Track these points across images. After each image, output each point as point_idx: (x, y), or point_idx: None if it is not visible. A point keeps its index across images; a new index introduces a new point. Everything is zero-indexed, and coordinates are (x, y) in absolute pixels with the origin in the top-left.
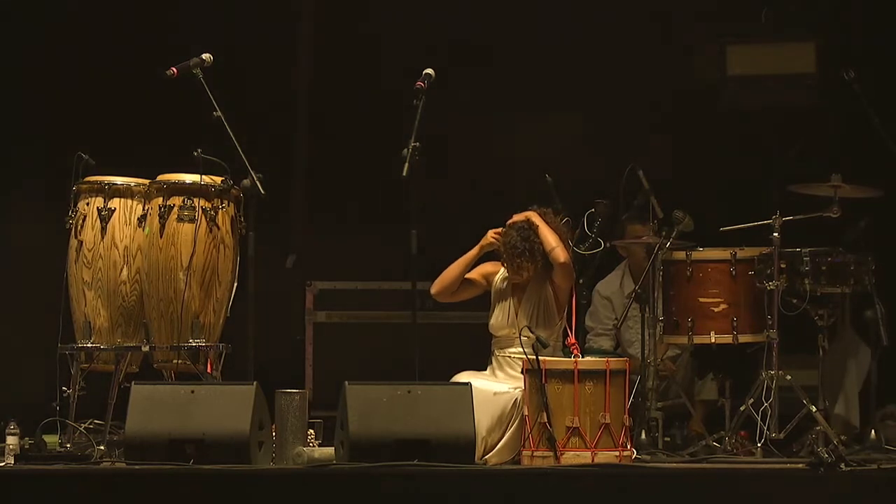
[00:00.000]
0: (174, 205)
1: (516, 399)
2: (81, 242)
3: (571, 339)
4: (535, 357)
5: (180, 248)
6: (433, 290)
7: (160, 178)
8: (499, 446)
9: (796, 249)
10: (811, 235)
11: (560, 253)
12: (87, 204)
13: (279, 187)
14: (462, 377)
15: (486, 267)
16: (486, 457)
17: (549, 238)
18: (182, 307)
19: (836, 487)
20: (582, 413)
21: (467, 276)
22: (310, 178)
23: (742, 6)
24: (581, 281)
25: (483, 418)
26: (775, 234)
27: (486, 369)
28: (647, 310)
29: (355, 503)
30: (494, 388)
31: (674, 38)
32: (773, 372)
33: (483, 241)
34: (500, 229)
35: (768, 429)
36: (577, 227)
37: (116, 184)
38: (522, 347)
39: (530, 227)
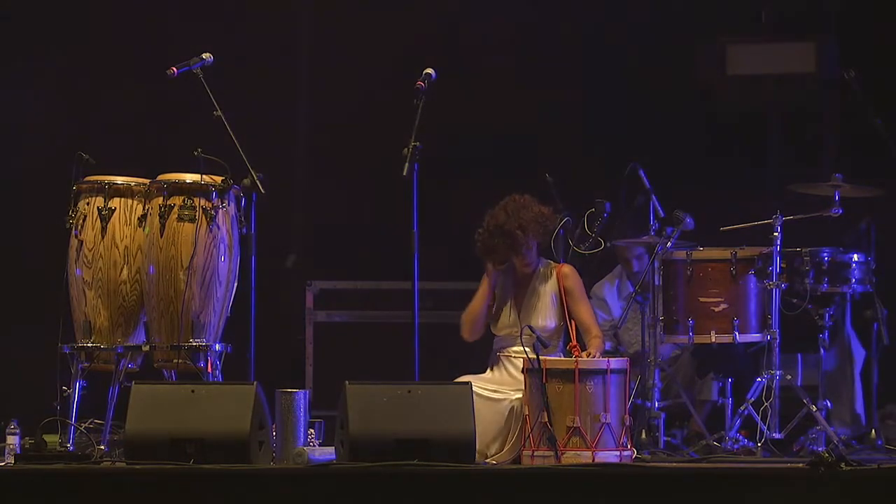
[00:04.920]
0: (174, 204)
1: (513, 407)
2: (81, 242)
3: (573, 341)
4: (536, 356)
5: (180, 247)
6: (466, 335)
7: (160, 177)
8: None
9: (796, 249)
10: (811, 235)
11: (600, 343)
12: (88, 203)
13: (279, 187)
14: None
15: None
16: (486, 460)
17: (590, 324)
18: (182, 307)
19: (836, 487)
20: (582, 413)
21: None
22: (310, 177)
23: (742, 6)
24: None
25: (481, 428)
26: (775, 234)
27: (486, 370)
28: (647, 310)
29: (355, 503)
30: (491, 395)
31: (674, 38)
32: (773, 372)
33: (487, 271)
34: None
35: (768, 429)
36: (577, 226)
37: (117, 183)
38: (523, 346)
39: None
